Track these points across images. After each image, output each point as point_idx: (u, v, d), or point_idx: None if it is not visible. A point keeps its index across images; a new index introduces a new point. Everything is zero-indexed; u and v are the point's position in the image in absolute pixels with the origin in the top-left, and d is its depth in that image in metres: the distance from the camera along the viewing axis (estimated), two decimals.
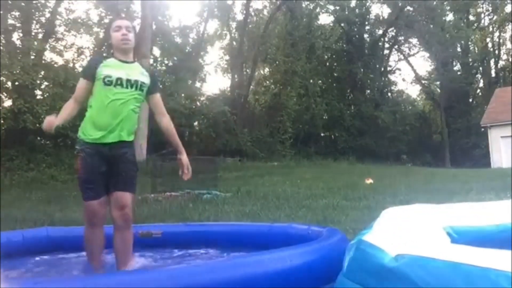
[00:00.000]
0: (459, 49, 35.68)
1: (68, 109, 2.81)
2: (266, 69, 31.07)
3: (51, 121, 2.66)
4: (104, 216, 2.81)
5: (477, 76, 37.20)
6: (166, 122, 2.87)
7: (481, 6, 35.50)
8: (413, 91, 53.52)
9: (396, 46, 35.63)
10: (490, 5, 34.41)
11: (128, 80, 2.68)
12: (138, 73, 2.75)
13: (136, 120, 2.78)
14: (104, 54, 21.34)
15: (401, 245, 1.60)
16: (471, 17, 36.03)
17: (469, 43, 35.69)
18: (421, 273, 1.42)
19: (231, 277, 2.01)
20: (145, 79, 2.76)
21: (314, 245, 2.48)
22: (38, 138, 16.40)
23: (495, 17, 34.85)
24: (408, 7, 31.52)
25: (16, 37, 16.85)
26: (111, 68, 2.69)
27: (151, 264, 2.96)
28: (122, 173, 2.70)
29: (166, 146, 22.14)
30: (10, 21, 16.49)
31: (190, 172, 2.89)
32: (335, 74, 33.53)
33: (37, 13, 17.15)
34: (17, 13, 16.59)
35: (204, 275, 1.97)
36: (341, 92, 32.30)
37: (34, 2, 16.87)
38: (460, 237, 2.02)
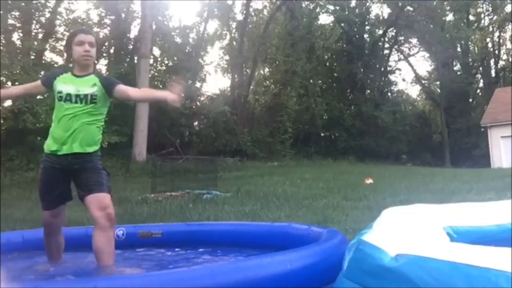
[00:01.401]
0: (459, 49, 35.68)
1: (16, 89, 3.04)
2: (266, 69, 31.07)
3: None
4: (58, 225, 2.89)
5: (477, 76, 37.19)
6: (133, 92, 2.92)
7: (481, 6, 35.49)
8: (413, 91, 53.53)
9: (396, 46, 35.62)
10: (490, 5, 34.39)
11: (77, 96, 2.71)
12: (89, 86, 2.74)
13: (94, 131, 2.78)
14: (104, 54, 21.37)
15: (401, 245, 1.60)
16: (471, 17, 36.02)
17: (469, 43, 35.69)
18: (421, 273, 1.42)
19: (232, 280, 2.01)
20: (95, 90, 2.75)
21: (314, 248, 2.48)
22: (38, 138, 16.40)
23: (495, 17, 34.85)
24: (408, 7, 31.51)
25: (16, 37, 16.88)
26: (63, 84, 2.74)
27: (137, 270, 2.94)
28: (88, 180, 2.70)
29: (166, 146, 22.20)
30: (10, 21, 16.51)
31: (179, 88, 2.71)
32: (335, 74, 33.52)
33: (37, 13, 17.17)
34: (17, 13, 16.61)
35: (205, 278, 1.97)
36: (341, 92, 32.29)
37: (34, 2, 16.88)
38: (460, 237, 2.02)
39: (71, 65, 2.86)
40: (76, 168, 2.72)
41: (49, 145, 2.76)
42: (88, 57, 2.75)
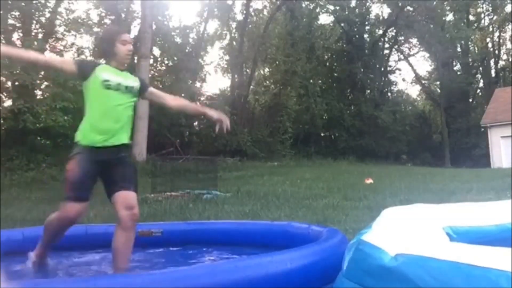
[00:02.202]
0: (459, 49, 35.67)
1: (33, 55, 2.87)
2: (266, 69, 31.06)
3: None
4: (76, 221, 2.86)
5: (477, 76, 37.18)
6: (172, 100, 3.03)
7: (481, 6, 35.48)
8: (413, 91, 53.50)
9: (396, 46, 35.61)
10: (490, 5, 34.38)
11: (126, 87, 2.75)
12: (131, 80, 2.82)
13: (131, 124, 2.86)
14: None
15: (401, 245, 1.60)
16: (471, 17, 36.01)
17: (469, 43, 35.68)
18: (421, 273, 1.42)
19: (232, 279, 2.01)
20: (136, 84, 2.84)
21: (314, 247, 2.48)
22: (38, 138, 16.40)
23: (495, 17, 34.84)
24: (408, 7, 31.50)
25: (16, 37, 16.85)
26: (109, 73, 2.71)
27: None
28: (125, 175, 2.70)
29: (166, 146, 22.16)
30: (10, 21, 16.50)
31: (228, 124, 2.89)
32: (335, 74, 33.52)
33: (37, 13, 17.15)
34: (17, 13, 16.59)
35: (205, 277, 1.97)
36: (341, 92, 32.28)
37: (34, 2, 16.87)
38: (459, 237, 2.02)
39: (102, 60, 2.88)
40: (114, 161, 2.70)
41: (91, 137, 2.67)
42: (130, 56, 2.91)
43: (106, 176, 2.72)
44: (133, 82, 2.82)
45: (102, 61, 2.86)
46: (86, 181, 2.69)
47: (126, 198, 2.64)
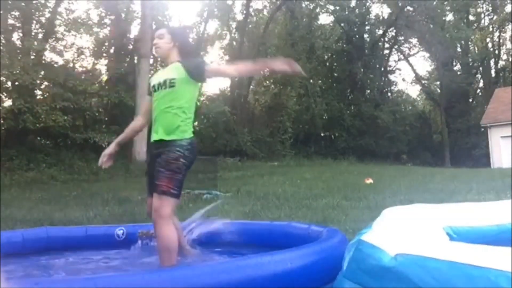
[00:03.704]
0: (459, 49, 35.66)
1: (131, 123, 3.12)
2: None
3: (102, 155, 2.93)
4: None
5: (477, 76, 37.18)
6: (233, 70, 3.09)
7: (481, 6, 35.48)
8: (413, 91, 53.50)
9: (396, 46, 35.61)
10: (490, 5, 34.38)
11: (159, 83, 2.85)
12: (170, 72, 2.84)
13: (173, 118, 2.75)
14: (104, 55, 21.37)
15: (401, 245, 1.60)
16: (471, 17, 36.01)
17: (469, 43, 35.67)
18: (421, 272, 1.42)
19: (232, 279, 2.01)
20: (174, 74, 2.80)
21: (314, 247, 2.48)
22: (38, 138, 16.41)
23: (495, 17, 34.82)
24: (408, 7, 31.49)
25: (16, 37, 16.87)
26: (155, 76, 2.97)
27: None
28: (156, 174, 2.71)
29: None
30: (10, 21, 16.51)
31: (299, 67, 2.89)
32: (335, 74, 33.51)
33: (37, 13, 17.16)
34: (17, 13, 16.60)
35: (205, 277, 1.97)
36: (341, 92, 32.26)
37: (34, 2, 16.87)
38: (459, 237, 2.02)
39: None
40: (155, 157, 2.76)
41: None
42: (156, 49, 2.96)
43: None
44: (171, 73, 2.82)
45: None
46: (148, 176, 2.89)
47: (154, 199, 2.69)
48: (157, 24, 21.59)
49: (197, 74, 2.82)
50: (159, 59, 24.22)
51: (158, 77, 2.89)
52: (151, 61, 20.94)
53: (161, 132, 2.74)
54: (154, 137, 2.79)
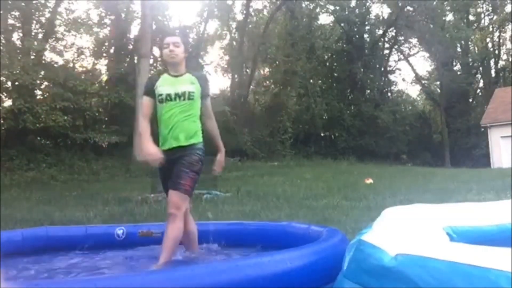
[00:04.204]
0: (459, 49, 35.66)
1: (146, 128, 3.09)
2: (266, 69, 31.06)
3: (155, 154, 2.91)
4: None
5: (477, 76, 37.18)
6: (209, 124, 3.21)
7: (481, 6, 35.47)
8: (413, 91, 53.47)
9: (396, 46, 35.60)
10: (490, 5, 34.38)
11: (176, 94, 2.98)
12: (187, 84, 3.02)
13: (191, 125, 3.01)
14: (104, 55, 21.37)
15: (401, 245, 1.60)
16: (471, 17, 36.01)
17: (469, 43, 35.67)
18: (421, 272, 1.42)
19: (232, 279, 2.01)
20: (192, 88, 3.02)
21: (314, 247, 2.47)
22: (38, 138, 16.41)
23: (495, 17, 34.82)
24: (408, 7, 31.50)
25: (16, 37, 16.88)
26: (162, 87, 3.02)
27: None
28: (173, 174, 2.94)
29: None
30: (10, 21, 16.51)
31: (220, 170, 3.27)
32: (335, 74, 33.51)
33: (37, 13, 17.17)
34: (17, 13, 16.61)
35: (205, 277, 1.97)
36: (341, 92, 32.26)
37: (34, 2, 16.88)
38: (459, 237, 2.02)
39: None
40: (173, 162, 2.94)
41: (159, 143, 3.04)
42: (173, 55, 3.02)
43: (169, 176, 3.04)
44: (188, 86, 3.00)
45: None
46: (162, 181, 3.20)
47: (169, 197, 2.97)
48: (157, 24, 21.62)
49: (204, 92, 3.12)
50: (159, 59, 24.26)
51: (172, 87, 2.99)
52: (151, 61, 20.96)
53: (183, 139, 2.97)
54: (174, 143, 2.97)
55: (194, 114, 3.04)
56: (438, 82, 35.71)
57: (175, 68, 3.07)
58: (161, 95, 3.00)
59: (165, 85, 3.02)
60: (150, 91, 3.08)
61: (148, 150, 2.90)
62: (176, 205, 2.89)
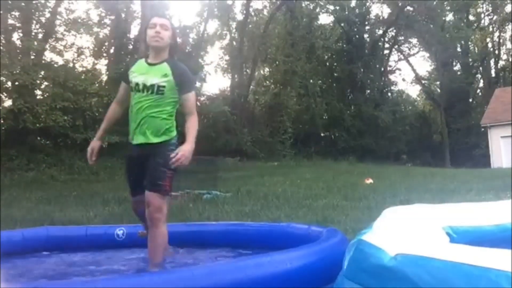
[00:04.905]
0: (459, 49, 35.66)
1: (109, 113, 2.91)
2: (266, 69, 31.06)
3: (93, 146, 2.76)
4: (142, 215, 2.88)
5: (477, 76, 37.19)
6: (190, 121, 2.80)
7: (481, 6, 35.48)
8: (413, 91, 53.56)
9: (396, 46, 35.62)
10: (490, 5, 34.39)
11: (144, 85, 2.71)
12: (159, 76, 2.71)
13: (161, 122, 2.74)
14: (104, 55, 21.37)
15: (401, 245, 1.60)
16: (471, 17, 36.02)
17: (469, 43, 35.68)
18: (421, 272, 1.42)
19: (232, 279, 2.01)
20: (163, 81, 2.71)
21: (314, 247, 2.47)
22: (38, 138, 16.39)
23: (495, 17, 34.84)
24: (408, 7, 31.51)
25: (16, 37, 16.85)
26: (135, 73, 2.76)
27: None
28: (148, 173, 2.72)
29: None
30: (10, 21, 16.49)
31: (180, 161, 2.61)
32: (335, 74, 33.52)
33: (37, 13, 17.14)
34: (17, 13, 16.59)
35: (205, 278, 1.97)
36: (341, 92, 32.28)
37: (34, 2, 16.86)
38: (459, 237, 2.02)
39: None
40: (144, 159, 2.74)
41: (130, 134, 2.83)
42: (158, 38, 2.71)
43: (141, 173, 2.81)
44: (158, 79, 2.70)
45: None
46: (128, 177, 2.92)
47: (147, 198, 2.68)
48: None
49: (181, 87, 2.76)
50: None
51: (144, 76, 2.72)
52: None
53: (151, 136, 2.72)
54: (141, 139, 2.73)
55: (165, 110, 2.74)
56: (438, 82, 35.74)
57: (156, 54, 2.77)
58: (131, 82, 2.77)
59: (137, 73, 2.76)
60: (124, 75, 2.87)
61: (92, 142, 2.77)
62: (159, 208, 2.65)
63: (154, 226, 2.66)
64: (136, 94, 2.73)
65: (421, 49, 35.45)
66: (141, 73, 2.74)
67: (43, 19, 17.50)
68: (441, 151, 32.60)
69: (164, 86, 2.71)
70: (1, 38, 15.67)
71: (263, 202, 6.95)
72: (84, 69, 19.42)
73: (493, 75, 36.64)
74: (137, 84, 2.73)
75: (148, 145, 2.72)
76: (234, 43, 29.58)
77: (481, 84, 37.52)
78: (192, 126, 2.76)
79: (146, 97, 2.71)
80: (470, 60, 36.25)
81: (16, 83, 15.09)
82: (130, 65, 2.85)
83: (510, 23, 32.97)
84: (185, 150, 2.62)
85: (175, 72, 2.74)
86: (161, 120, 2.73)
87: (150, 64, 2.76)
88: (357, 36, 33.22)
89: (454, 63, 36.00)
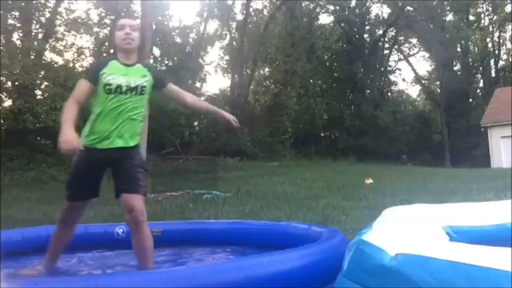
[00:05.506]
0: (459, 49, 35.67)
1: (72, 114, 2.64)
2: (266, 69, 31.07)
3: (73, 141, 2.43)
4: (76, 219, 2.87)
5: (477, 76, 37.18)
6: (190, 99, 2.91)
7: (481, 6, 35.47)
8: (413, 91, 53.58)
9: (396, 46, 35.62)
10: (490, 5, 34.38)
11: (128, 87, 2.63)
12: (139, 76, 2.68)
13: (139, 125, 2.72)
14: (104, 54, 21.37)
15: (401, 245, 1.60)
16: (471, 17, 36.01)
17: (469, 43, 35.68)
18: (421, 272, 1.42)
19: (232, 279, 2.01)
20: (144, 81, 2.69)
21: (314, 247, 2.48)
22: (38, 138, 16.39)
23: (495, 17, 34.83)
24: (408, 7, 31.51)
25: (16, 37, 16.85)
26: (112, 75, 2.62)
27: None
28: (124, 177, 2.62)
29: (166, 146, 22.18)
30: (10, 21, 16.49)
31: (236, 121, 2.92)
32: (335, 74, 33.52)
33: (37, 13, 17.14)
34: (17, 13, 16.59)
35: (205, 277, 1.97)
36: (341, 92, 32.28)
37: (34, 2, 16.86)
38: (459, 237, 2.02)
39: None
40: (116, 163, 2.63)
41: (87, 137, 2.64)
42: (129, 40, 2.65)
43: (113, 177, 2.70)
44: (140, 80, 2.67)
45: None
46: (79, 183, 2.74)
47: (125, 201, 2.58)
48: (157, 24, 21.62)
49: (159, 86, 2.79)
50: (159, 59, 24.28)
51: (124, 78, 2.62)
52: (151, 61, 20.96)
53: (128, 139, 2.65)
54: (119, 143, 2.62)
55: (141, 112, 2.71)
56: (438, 82, 35.73)
57: (128, 56, 2.68)
58: (109, 85, 2.59)
59: (116, 74, 2.61)
60: (93, 77, 2.63)
61: (66, 136, 2.38)
62: (143, 211, 2.55)
63: (140, 229, 2.56)
64: (117, 97, 2.60)
65: (421, 49, 35.47)
66: (121, 74, 2.63)
67: (43, 19, 17.49)
68: (441, 151, 32.60)
69: (145, 87, 2.69)
70: (1, 38, 15.67)
71: (263, 202, 6.95)
72: (84, 69, 19.42)
73: (493, 75, 36.64)
74: (119, 85, 2.60)
75: (122, 149, 2.64)
76: (234, 43, 29.59)
77: (481, 84, 37.52)
78: (200, 101, 2.91)
79: (129, 99, 2.63)
80: (470, 60, 36.26)
81: (16, 83, 15.09)
82: (100, 66, 2.67)
83: (510, 23, 32.98)
84: (229, 114, 2.90)
85: (151, 72, 2.76)
86: (138, 123, 2.71)
87: (126, 65, 2.68)
88: (357, 36, 33.23)
89: (454, 63, 36.01)
